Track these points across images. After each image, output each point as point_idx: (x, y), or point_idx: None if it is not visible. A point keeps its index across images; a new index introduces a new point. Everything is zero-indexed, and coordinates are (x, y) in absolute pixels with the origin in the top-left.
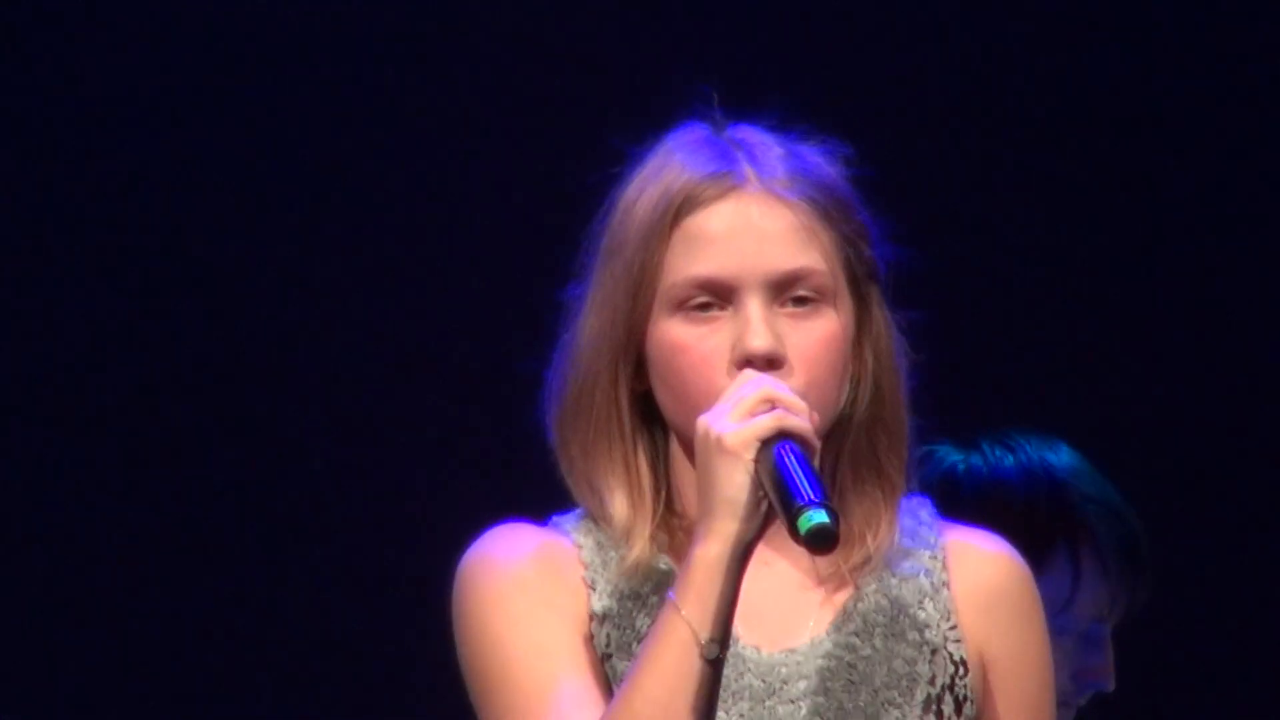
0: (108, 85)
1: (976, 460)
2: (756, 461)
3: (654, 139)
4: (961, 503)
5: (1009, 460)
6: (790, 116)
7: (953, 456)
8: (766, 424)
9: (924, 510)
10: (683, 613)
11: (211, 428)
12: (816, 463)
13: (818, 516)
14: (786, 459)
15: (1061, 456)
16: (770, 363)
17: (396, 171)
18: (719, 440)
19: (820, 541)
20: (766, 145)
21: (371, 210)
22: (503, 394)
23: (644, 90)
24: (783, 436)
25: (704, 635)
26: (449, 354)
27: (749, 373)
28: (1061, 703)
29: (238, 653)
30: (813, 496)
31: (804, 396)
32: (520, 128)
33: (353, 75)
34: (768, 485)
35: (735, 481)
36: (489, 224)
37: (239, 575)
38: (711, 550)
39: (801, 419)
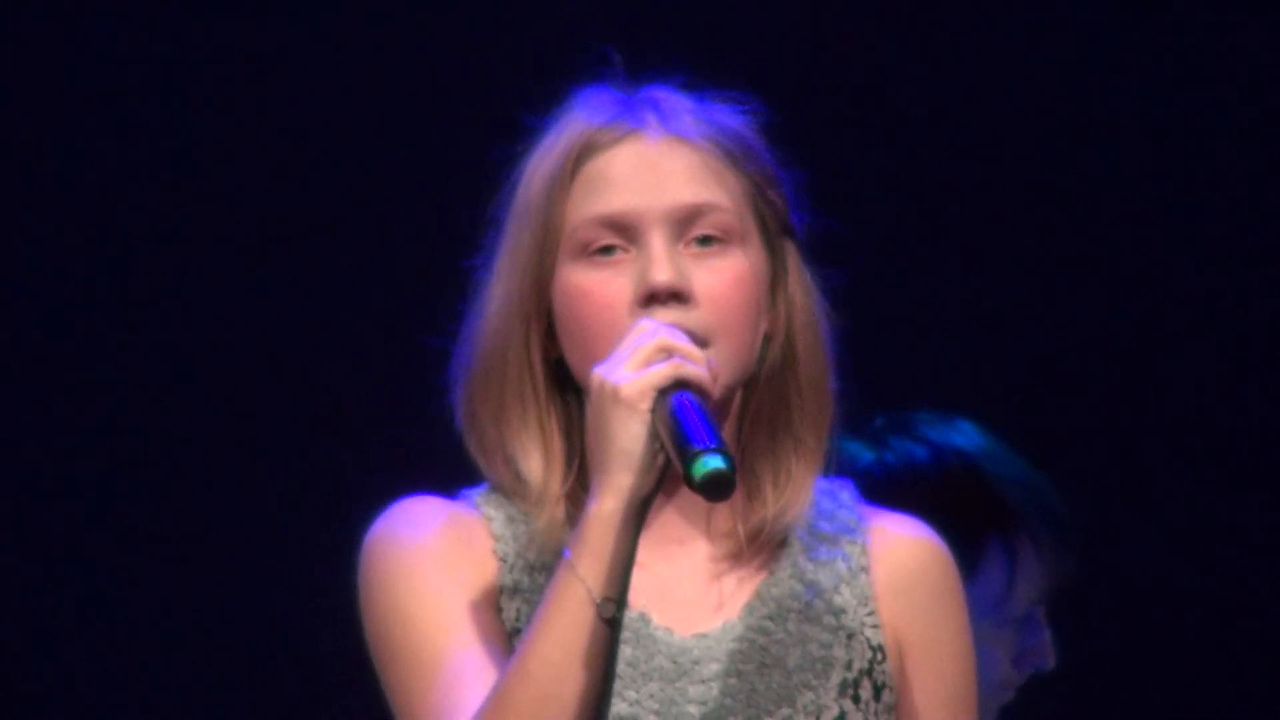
0: None
1: (890, 458)
2: (653, 412)
3: (559, 107)
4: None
5: (921, 453)
6: (701, 78)
7: (865, 456)
8: (664, 373)
9: (845, 493)
10: (578, 571)
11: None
12: (713, 407)
13: (713, 461)
14: (684, 407)
15: (970, 438)
16: (675, 297)
17: (310, 144)
18: (614, 391)
19: (715, 488)
20: (672, 98)
21: (281, 183)
22: (413, 369)
23: (556, 67)
24: (680, 386)
25: (600, 594)
26: (359, 328)
27: (645, 323)
28: (1004, 687)
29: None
30: (709, 442)
31: (712, 336)
32: (435, 101)
33: (260, 35)
34: (664, 435)
35: (631, 433)
36: (397, 200)
37: (151, 548)
38: (606, 505)
39: (699, 368)
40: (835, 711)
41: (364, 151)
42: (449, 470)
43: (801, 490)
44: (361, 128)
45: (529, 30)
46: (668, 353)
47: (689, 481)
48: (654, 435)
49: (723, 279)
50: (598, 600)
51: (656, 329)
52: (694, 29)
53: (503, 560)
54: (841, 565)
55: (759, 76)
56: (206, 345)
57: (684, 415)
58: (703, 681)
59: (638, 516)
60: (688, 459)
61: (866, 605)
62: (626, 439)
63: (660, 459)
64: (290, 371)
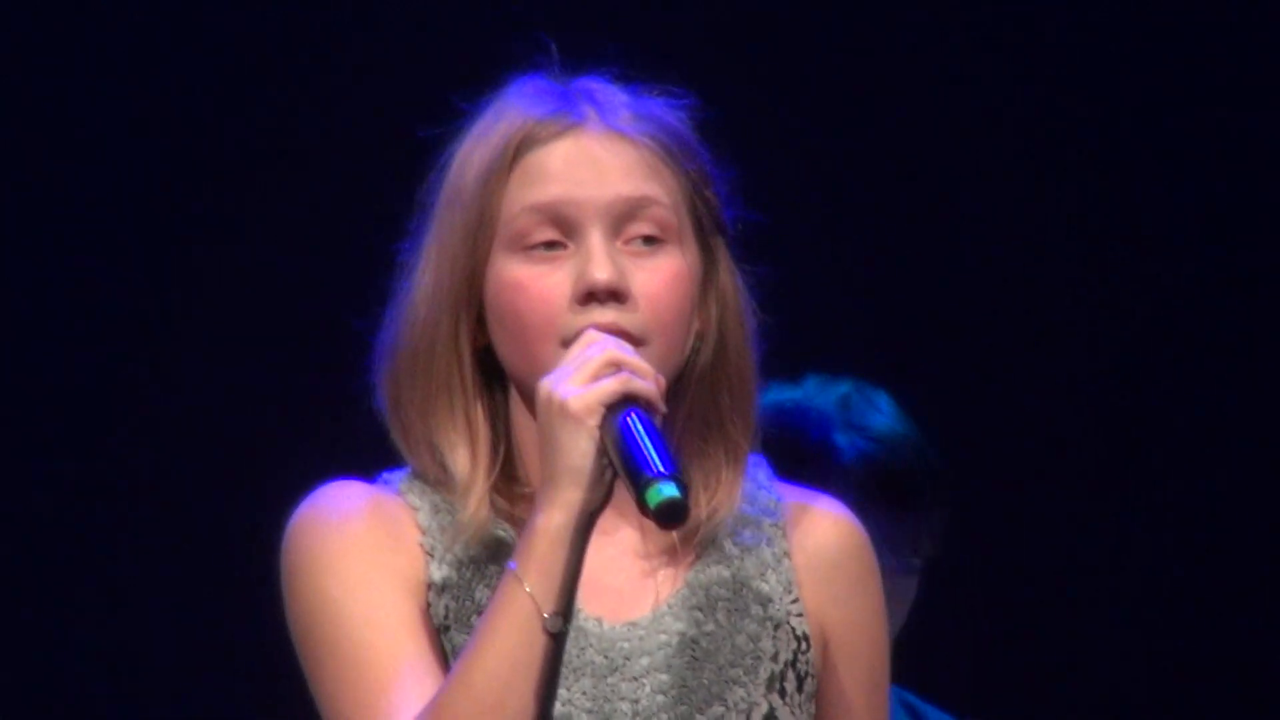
0: None
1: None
2: (601, 428)
3: (492, 94)
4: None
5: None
6: (634, 69)
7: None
8: (612, 388)
9: (761, 472)
10: (525, 585)
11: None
12: (659, 423)
13: (668, 490)
14: (633, 427)
15: (893, 409)
16: (613, 296)
17: (234, 125)
18: (562, 405)
19: (671, 516)
20: (609, 91)
21: (203, 166)
22: (334, 352)
23: (482, 47)
24: (629, 402)
25: (547, 608)
26: (282, 312)
27: (592, 333)
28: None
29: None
30: (662, 469)
31: (649, 336)
32: (359, 83)
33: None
34: (613, 454)
35: (579, 449)
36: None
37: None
38: (554, 519)
39: (648, 383)
40: (765, 708)
41: (290, 132)
42: (371, 454)
43: (732, 490)
44: (288, 110)
45: (456, 12)
46: (616, 366)
47: (643, 509)
48: (602, 451)
49: (660, 278)
50: (545, 614)
51: (605, 341)
52: (622, 19)
53: (430, 554)
54: (765, 550)
55: (686, 69)
56: (133, 329)
57: (634, 436)
58: (634, 678)
59: (585, 531)
60: (641, 485)
61: (791, 593)
62: (575, 455)
63: (609, 474)
64: (216, 353)
